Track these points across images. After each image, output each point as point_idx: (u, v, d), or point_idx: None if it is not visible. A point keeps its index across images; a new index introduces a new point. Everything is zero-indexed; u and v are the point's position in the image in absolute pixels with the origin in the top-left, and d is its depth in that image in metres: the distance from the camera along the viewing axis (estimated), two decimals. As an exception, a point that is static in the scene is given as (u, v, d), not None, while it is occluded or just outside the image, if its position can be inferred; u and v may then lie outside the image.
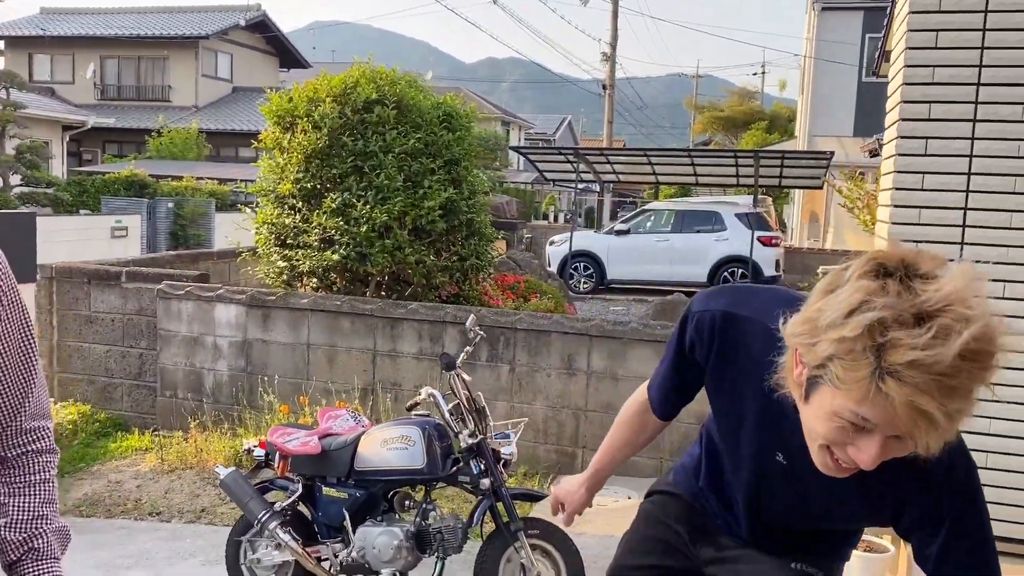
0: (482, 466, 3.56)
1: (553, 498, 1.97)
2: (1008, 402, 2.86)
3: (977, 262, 2.92)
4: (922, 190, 3.06)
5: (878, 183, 9.22)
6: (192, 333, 6.13)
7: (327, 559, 3.62)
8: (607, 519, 4.94)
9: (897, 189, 3.09)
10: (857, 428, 1.15)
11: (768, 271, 14.84)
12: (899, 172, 3.09)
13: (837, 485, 1.34)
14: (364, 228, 5.63)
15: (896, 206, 3.09)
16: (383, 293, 6.36)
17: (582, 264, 15.60)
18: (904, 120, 3.05)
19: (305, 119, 5.93)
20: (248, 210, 6.55)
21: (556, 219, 30.53)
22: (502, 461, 3.60)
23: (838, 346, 1.11)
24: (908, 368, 1.05)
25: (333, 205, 5.70)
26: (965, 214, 3.03)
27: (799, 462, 1.37)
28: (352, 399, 5.64)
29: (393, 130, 5.84)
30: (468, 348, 3.75)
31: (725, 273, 14.90)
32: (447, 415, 3.60)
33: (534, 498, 3.80)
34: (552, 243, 16.39)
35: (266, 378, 5.84)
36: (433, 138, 5.93)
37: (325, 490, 3.65)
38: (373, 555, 3.53)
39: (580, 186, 18.95)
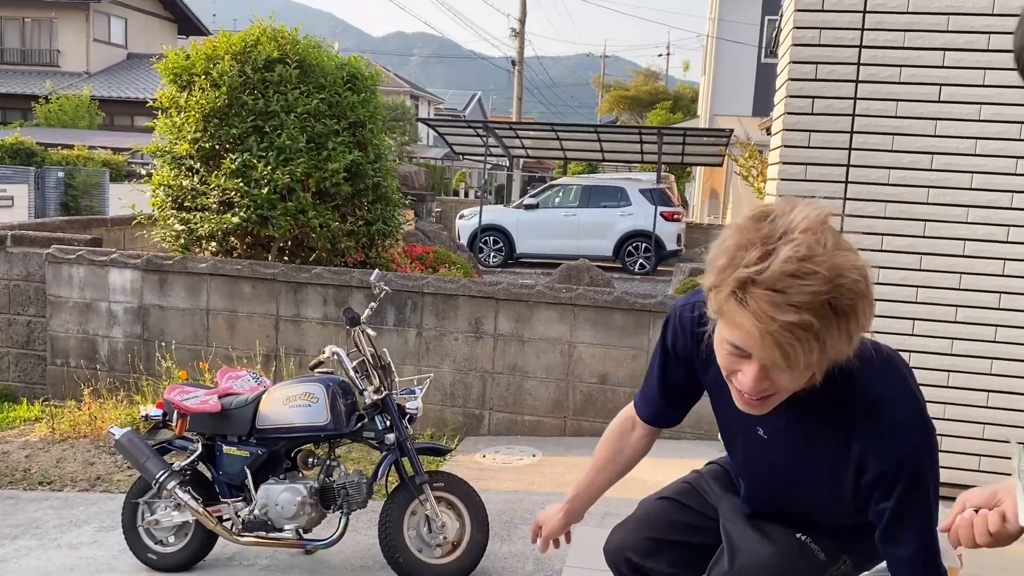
0: (387, 421, 3.56)
1: (536, 522, 1.92)
2: (961, 355, 3.03)
3: (858, 216, 3.07)
4: (808, 147, 3.20)
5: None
6: (84, 299, 5.89)
7: (229, 518, 3.56)
8: (513, 476, 5.02)
9: (785, 147, 3.22)
10: (740, 355, 1.28)
11: (670, 245, 15.25)
12: (787, 131, 3.23)
13: (801, 458, 1.48)
14: (265, 190, 5.51)
15: (784, 163, 3.23)
16: (286, 259, 6.25)
17: (491, 238, 15.66)
18: (792, 80, 3.18)
19: (203, 77, 5.74)
20: (143, 170, 6.31)
21: (466, 195, 30.49)
22: (407, 416, 3.61)
23: (715, 277, 1.26)
24: (748, 286, 1.20)
25: (233, 166, 5.55)
26: (848, 171, 3.19)
27: (775, 435, 1.49)
28: (254, 365, 5.54)
29: (295, 90, 5.71)
30: (373, 304, 3.74)
31: (630, 247, 15.22)
32: (351, 372, 3.58)
33: (439, 453, 3.83)
34: (462, 217, 16.38)
35: (164, 344, 5.67)
36: (337, 99, 5.83)
37: (226, 449, 3.59)
38: (276, 512, 3.50)
39: (490, 162, 18.94)
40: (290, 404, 3.56)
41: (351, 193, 5.99)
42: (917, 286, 3.12)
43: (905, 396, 1.41)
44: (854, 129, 3.18)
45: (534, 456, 5.36)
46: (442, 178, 30.39)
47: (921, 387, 1.42)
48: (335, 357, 3.65)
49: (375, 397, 3.54)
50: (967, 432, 3.03)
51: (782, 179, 3.25)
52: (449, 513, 3.60)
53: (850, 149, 3.19)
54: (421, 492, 3.51)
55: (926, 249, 3.18)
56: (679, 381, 1.66)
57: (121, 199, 7.30)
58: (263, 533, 3.53)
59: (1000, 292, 3.07)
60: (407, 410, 3.62)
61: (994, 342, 3.05)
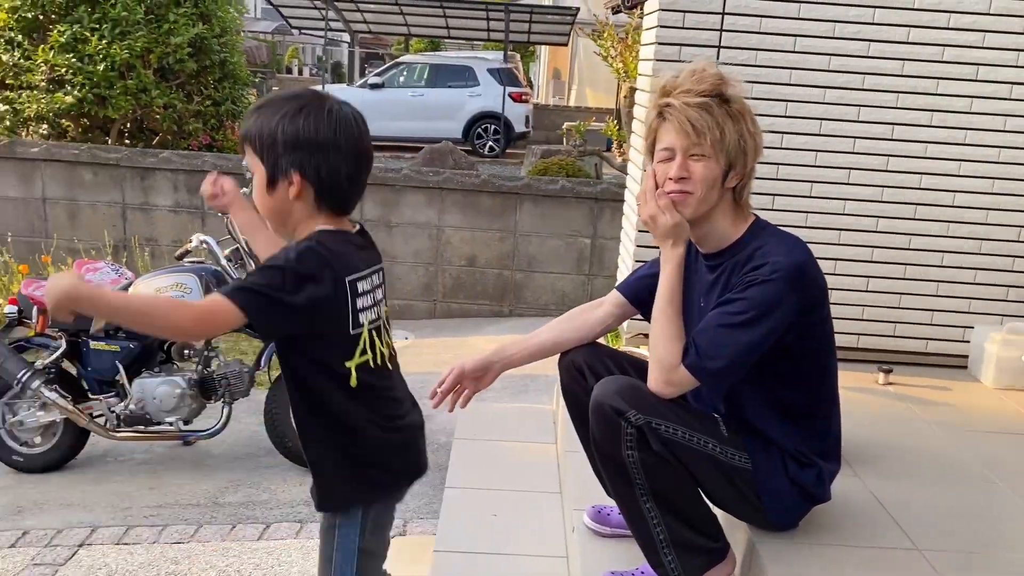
0: (266, 310, 3.49)
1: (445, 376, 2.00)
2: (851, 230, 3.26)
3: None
4: (683, 28, 3.29)
5: (630, 36, 9.62)
6: None
7: (102, 414, 3.44)
8: (387, 359, 5.08)
9: (661, 27, 3.28)
10: (668, 157, 1.74)
11: (519, 127, 15.26)
12: (663, 11, 3.28)
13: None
14: (101, 67, 5.05)
15: (660, 43, 3.30)
16: (127, 143, 5.82)
17: (336, 120, 15.07)
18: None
19: (16, -64, 5.09)
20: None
21: (301, 72, 28.99)
22: (287, 303, 3.55)
23: (645, 128, 1.81)
24: (667, 100, 1.73)
25: (61, 39, 5.02)
26: (719, 52, 3.30)
27: (706, 301, 1.79)
28: (104, 256, 5.20)
29: (128, -46, 5.18)
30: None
31: (479, 129, 15.11)
32: (223, 261, 3.46)
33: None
34: (302, 97, 15.60)
35: (-4, 237, 5.21)
36: (176, -34, 5.35)
37: (93, 344, 3.43)
38: (154, 406, 3.41)
39: (328, 36, 18.00)
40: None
41: (196, 70, 5.59)
42: (778, 163, 3.34)
43: (792, 256, 1.69)
44: (725, 11, 3.28)
45: (406, 339, 5.42)
46: (274, 54, 28.63)
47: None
48: (204, 246, 3.51)
49: (252, 285, 3.45)
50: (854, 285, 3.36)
51: (657, 59, 3.33)
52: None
53: (721, 31, 3.29)
54: (306, 378, 3.50)
55: (784, 128, 3.38)
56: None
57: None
58: (142, 428, 3.44)
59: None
60: (287, 297, 3.55)
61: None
